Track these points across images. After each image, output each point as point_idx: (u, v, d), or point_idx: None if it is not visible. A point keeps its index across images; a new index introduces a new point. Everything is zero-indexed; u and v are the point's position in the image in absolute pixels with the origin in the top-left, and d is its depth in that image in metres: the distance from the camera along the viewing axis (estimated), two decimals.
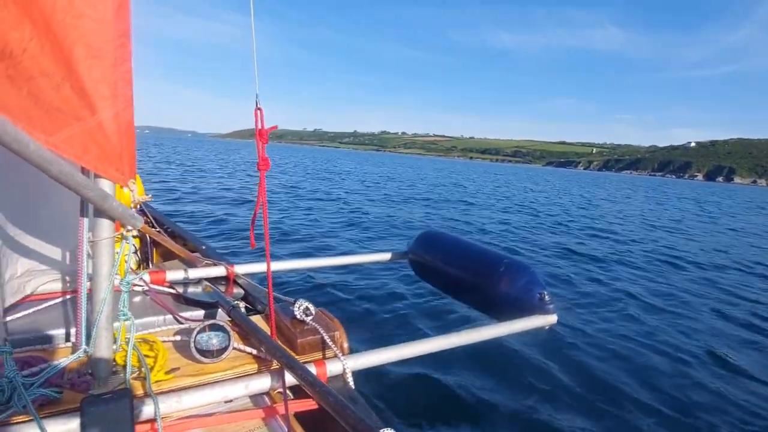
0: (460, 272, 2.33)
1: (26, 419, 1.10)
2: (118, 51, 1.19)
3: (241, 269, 2.29)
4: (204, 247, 2.84)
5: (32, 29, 0.99)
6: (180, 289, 2.04)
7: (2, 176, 1.53)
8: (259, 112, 1.45)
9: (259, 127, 1.46)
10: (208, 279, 2.18)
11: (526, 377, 3.55)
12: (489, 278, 2.15)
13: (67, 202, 1.70)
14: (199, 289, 2.08)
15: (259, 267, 2.35)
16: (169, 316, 1.80)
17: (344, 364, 1.48)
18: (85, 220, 1.26)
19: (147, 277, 2.02)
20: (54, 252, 1.83)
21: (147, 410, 1.15)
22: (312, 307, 1.74)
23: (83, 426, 1.00)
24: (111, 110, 1.19)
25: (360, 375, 1.52)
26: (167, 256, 2.68)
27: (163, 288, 2.03)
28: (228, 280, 2.23)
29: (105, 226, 1.25)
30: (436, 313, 4.88)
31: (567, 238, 10.99)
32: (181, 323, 1.79)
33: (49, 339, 1.57)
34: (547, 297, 2.00)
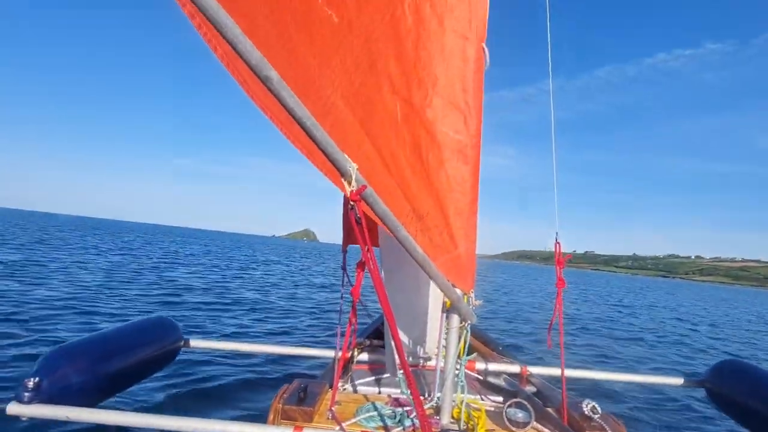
0: None
1: None
2: (470, 208, 1.92)
3: (533, 369, 2.69)
4: (500, 347, 3.39)
5: (432, 201, 1.79)
6: (484, 376, 2.62)
7: (406, 281, 2.46)
8: (557, 245, 1.93)
9: (558, 256, 1.94)
10: (505, 373, 2.67)
11: None
12: None
13: (430, 301, 2.53)
14: (500, 380, 2.59)
15: (552, 370, 2.69)
16: (478, 395, 2.35)
17: None
18: (444, 315, 1.96)
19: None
20: (413, 333, 2.68)
21: None
22: (599, 408, 1.95)
23: None
24: (464, 246, 1.90)
25: None
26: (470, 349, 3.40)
27: (472, 373, 2.63)
28: (521, 376, 2.65)
29: (455, 319, 1.91)
30: None
31: None
32: (485, 400, 2.30)
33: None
34: None
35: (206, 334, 7.05)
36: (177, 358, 2.55)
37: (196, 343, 2.62)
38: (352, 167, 1.28)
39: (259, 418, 2.28)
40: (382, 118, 1.69)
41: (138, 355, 2.18)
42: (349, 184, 1.29)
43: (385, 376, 2.57)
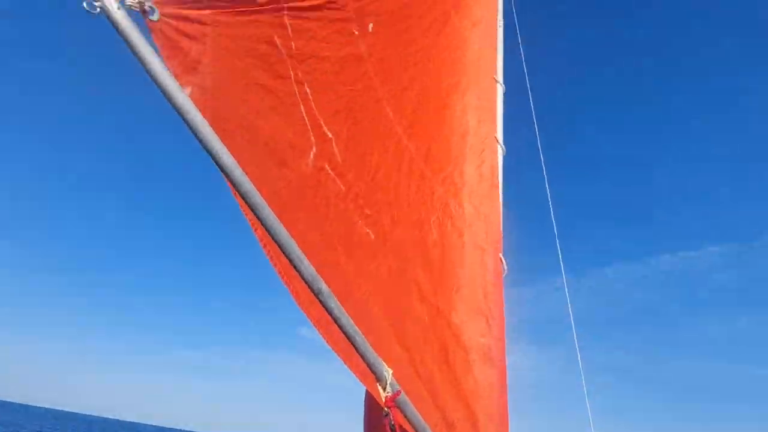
0: None
1: None
2: (502, 414, 1.87)
3: None
4: None
5: (462, 408, 1.77)
6: None
7: None
8: None
9: None
10: None
11: None
12: None
13: None
14: None
15: None
16: None
17: None
18: None
19: None
20: None
21: None
22: None
23: None
24: None
25: None
26: None
27: None
28: None
29: None
30: None
31: None
32: None
33: None
34: None
35: None
36: None
37: None
38: (388, 372, 1.33)
39: None
40: (412, 323, 1.80)
41: None
42: (384, 389, 1.32)
43: None
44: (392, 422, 1.27)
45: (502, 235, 2.16)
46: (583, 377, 1.95)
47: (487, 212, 2.10)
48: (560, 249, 2.68)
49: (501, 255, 2.11)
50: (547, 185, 2.81)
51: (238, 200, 1.30)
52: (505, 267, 2.08)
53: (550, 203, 2.84)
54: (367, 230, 1.77)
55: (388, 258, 1.79)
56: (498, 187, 2.25)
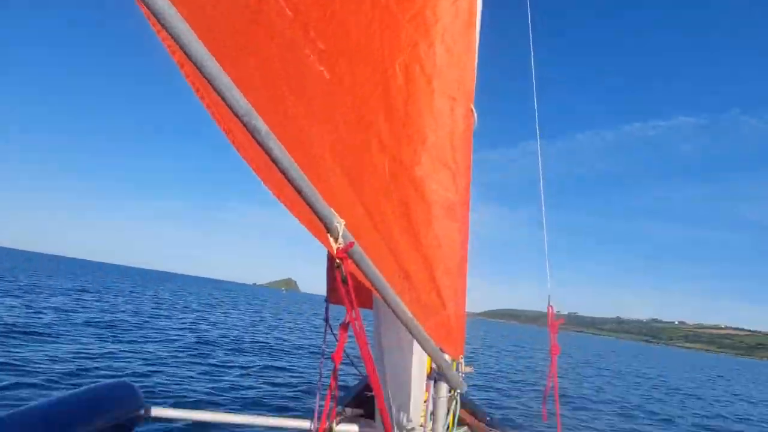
0: None
1: None
2: (459, 268, 1.85)
3: None
4: (489, 418, 3.19)
5: (420, 260, 1.73)
6: None
7: (393, 344, 2.32)
8: (550, 308, 1.85)
9: (551, 320, 1.86)
10: None
11: None
12: None
13: (414, 366, 2.38)
14: None
15: None
16: None
17: None
18: (432, 382, 1.83)
19: None
20: (402, 400, 2.50)
21: None
22: None
23: None
24: (453, 306, 1.81)
25: None
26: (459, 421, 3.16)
27: None
28: None
29: (443, 388, 1.79)
30: None
31: None
32: None
33: None
34: None
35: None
36: (135, 428, 2.29)
37: (158, 411, 2.38)
38: (340, 223, 1.21)
39: None
40: (370, 174, 1.65)
41: (85, 429, 1.94)
42: (336, 240, 1.22)
43: None
44: (344, 274, 1.18)
45: (474, 82, 1.93)
46: (545, 232, 1.91)
47: (460, 54, 1.84)
48: (536, 111, 2.47)
49: (472, 105, 1.91)
50: (531, 44, 2.50)
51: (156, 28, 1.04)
52: (476, 118, 1.90)
53: (532, 63, 2.56)
54: (321, 68, 1.51)
55: (346, 101, 1.56)
56: (475, 26, 1.95)
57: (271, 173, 1.18)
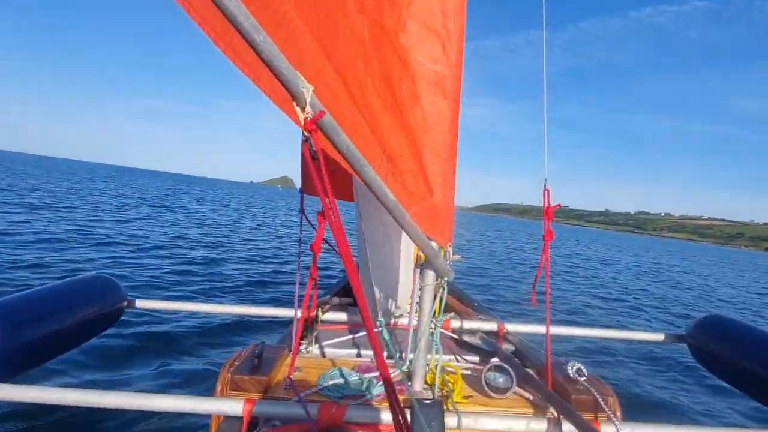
0: (755, 366, 2.00)
1: (375, 405, 1.58)
2: (449, 150, 1.68)
3: (510, 327, 2.55)
4: (476, 304, 3.26)
5: (405, 141, 1.55)
6: (459, 335, 2.47)
7: (377, 230, 2.23)
8: (546, 192, 1.73)
9: (546, 205, 1.74)
10: (480, 331, 2.52)
11: None
12: None
13: (402, 253, 2.32)
14: (476, 339, 2.45)
15: (531, 328, 2.57)
16: (453, 355, 2.21)
17: (618, 429, 1.49)
18: (417, 270, 1.75)
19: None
20: (387, 288, 2.48)
21: (451, 421, 1.47)
22: (585, 369, 1.81)
23: (414, 417, 1.37)
24: (441, 193, 1.67)
25: None
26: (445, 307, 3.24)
27: (446, 332, 2.48)
28: (498, 335, 2.51)
29: (430, 276, 1.71)
30: (719, 403, 4.74)
31: None
32: (460, 362, 2.15)
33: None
34: None
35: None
36: (119, 319, 2.27)
37: (141, 303, 2.35)
38: (307, 88, 1.01)
39: (208, 390, 2.08)
40: (346, 39, 1.41)
41: (70, 319, 1.90)
42: (303, 109, 1.03)
43: (356, 336, 2.38)
44: (312, 148, 1.00)
45: None
46: (545, 121, 1.73)
47: None
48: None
49: None
50: None
51: None
52: None
53: None
54: None
55: None
56: None
57: (225, 35, 0.95)
